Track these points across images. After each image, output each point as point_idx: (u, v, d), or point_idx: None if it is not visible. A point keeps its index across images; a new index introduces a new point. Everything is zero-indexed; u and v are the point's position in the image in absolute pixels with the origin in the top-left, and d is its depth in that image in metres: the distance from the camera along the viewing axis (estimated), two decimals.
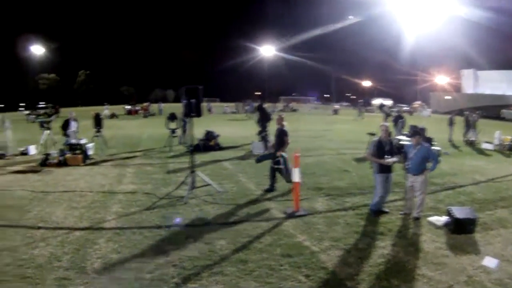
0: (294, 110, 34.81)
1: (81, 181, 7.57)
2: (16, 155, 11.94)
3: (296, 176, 4.70)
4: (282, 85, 59.06)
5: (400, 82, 45.56)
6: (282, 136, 5.75)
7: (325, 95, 61.89)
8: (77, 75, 70.28)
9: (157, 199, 5.80)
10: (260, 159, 6.46)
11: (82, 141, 9.97)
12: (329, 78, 57.49)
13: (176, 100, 61.93)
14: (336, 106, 36.67)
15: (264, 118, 9.87)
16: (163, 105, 35.19)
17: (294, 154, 4.87)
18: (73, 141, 9.92)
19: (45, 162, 9.50)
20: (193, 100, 5.56)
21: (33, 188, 7.15)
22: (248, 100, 32.87)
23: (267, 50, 47.51)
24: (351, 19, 34.73)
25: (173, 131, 10.58)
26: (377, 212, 4.74)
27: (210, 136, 10.51)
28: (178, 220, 4.85)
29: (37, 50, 47.34)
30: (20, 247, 4.39)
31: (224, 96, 53.53)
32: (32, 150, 12.28)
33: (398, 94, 42.74)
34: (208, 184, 5.92)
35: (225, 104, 38.35)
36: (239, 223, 4.66)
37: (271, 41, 47.47)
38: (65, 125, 10.41)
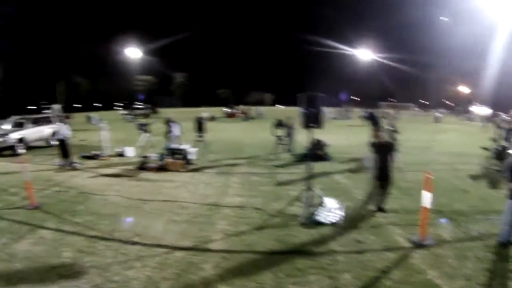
0: (395, 118, 41.40)
1: (182, 189, 10.57)
2: (112, 156, 17.10)
3: (427, 200, 6.42)
4: (379, 90, 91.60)
5: (495, 88, 61.83)
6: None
7: (422, 101, 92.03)
8: (174, 77, 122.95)
9: (268, 217, 7.89)
10: None
11: (184, 146, 14.06)
12: (426, 83, 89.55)
13: (274, 103, 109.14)
14: (438, 114, 51.71)
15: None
16: (262, 108, 55.23)
17: (425, 175, 6.43)
18: (175, 146, 14.14)
19: (143, 166, 13.82)
20: (312, 109, 7.76)
21: (129, 194, 10.27)
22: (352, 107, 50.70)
23: (364, 54, 71.90)
24: (443, 20, 56.33)
25: (279, 138, 15.50)
26: (507, 244, 6.54)
27: (319, 145, 14.48)
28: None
29: (134, 52, 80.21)
30: (112, 266, 6.00)
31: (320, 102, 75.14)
32: (129, 152, 17.39)
33: (496, 100, 59.56)
34: (323, 202, 8.10)
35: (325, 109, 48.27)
36: (363, 252, 6.23)
37: (368, 44, 72.12)
38: (168, 129, 15.90)
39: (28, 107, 74.08)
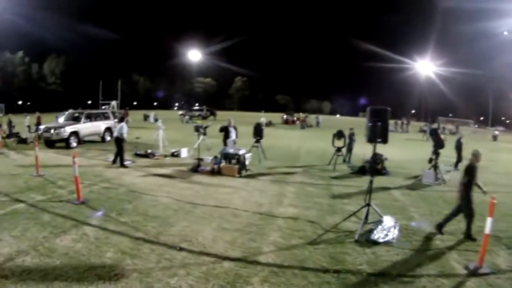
0: (453, 133, 46.49)
1: (235, 195, 10.77)
2: (166, 156, 17.65)
3: (489, 227, 6.47)
4: (437, 104, 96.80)
5: None
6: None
7: (481, 118, 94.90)
8: (233, 81, 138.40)
9: (322, 231, 7.92)
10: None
11: (241, 152, 14.44)
12: (486, 99, 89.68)
13: (332, 112, 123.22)
14: (496, 131, 52.90)
15: (437, 145, 14.37)
16: (321, 117, 57.56)
17: (490, 200, 6.46)
18: (231, 150, 14.44)
19: (196, 168, 14.13)
20: (378, 123, 8.05)
21: (180, 197, 10.43)
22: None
23: (424, 66, 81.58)
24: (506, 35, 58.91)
25: (339, 149, 16.15)
26: None
27: (377, 158, 14.51)
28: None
29: (195, 54, 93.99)
30: (154, 271, 5.89)
31: None
32: (184, 153, 17.96)
33: None
34: (381, 220, 8.27)
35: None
36: (417, 277, 6.15)
37: (428, 57, 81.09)
38: (225, 133, 16.37)
39: (87, 102, 78.97)
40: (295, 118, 58.14)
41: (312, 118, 57.45)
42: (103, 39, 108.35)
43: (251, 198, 10.50)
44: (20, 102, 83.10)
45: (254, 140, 17.18)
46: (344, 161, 16.88)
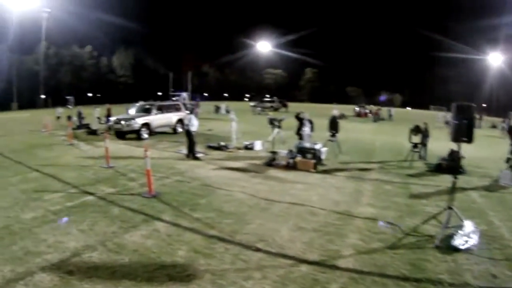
0: None
1: (312, 192, 10.73)
2: (240, 148, 17.85)
3: None
4: (510, 98, 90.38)
5: None
6: None
7: None
8: (304, 72, 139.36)
9: (402, 235, 7.75)
10: None
11: (317, 146, 14.31)
12: None
13: (403, 105, 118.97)
14: None
15: None
16: (393, 110, 57.83)
17: None
18: (307, 144, 14.49)
19: (271, 162, 14.13)
20: (464, 121, 7.86)
21: (255, 192, 10.35)
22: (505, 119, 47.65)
23: (494, 58, 79.83)
24: None
25: (415, 145, 16.29)
26: None
27: (455, 156, 14.22)
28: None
29: (265, 46, 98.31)
30: (228, 273, 5.73)
31: (448, 105, 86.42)
32: (258, 145, 18.00)
33: None
34: (462, 225, 7.88)
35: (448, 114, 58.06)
36: None
37: (497, 48, 78.77)
38: (299, 125, 16.27)
39: (158, 93, 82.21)
40: (367, 111, 58.06)
41: (384, 111, 56.70)
42: (172, 31, 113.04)
43: (328, 195, 10.40)
44: (90, 95, 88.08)
45: (330, 134, 17.09)
46: (420, 157, 16.63)
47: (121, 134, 20.97)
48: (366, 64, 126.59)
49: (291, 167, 13.66)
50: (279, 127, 17.40)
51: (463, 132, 7.89)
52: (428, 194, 11.03)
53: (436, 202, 9.82)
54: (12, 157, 14.75)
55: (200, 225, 7.66)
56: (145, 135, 21.03)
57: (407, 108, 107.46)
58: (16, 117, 40.39)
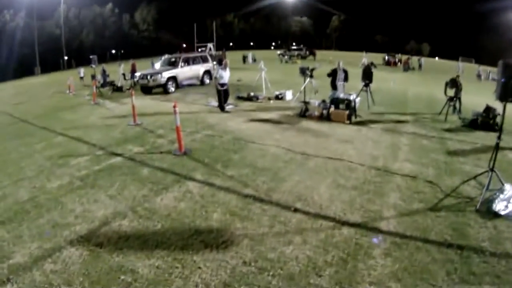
0: None
1: (348, 146, 10.38)
2: (270, 99, 17.49)
3: None
4: None
5: None
6: None
7: None
8: (331, 20, 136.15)
9: (442, 195, 7.38)
10: None
11: (351, 96, 13.82)
12: None
13: (431, 54, 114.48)
14: None
15: None
16: (423, 59, 56.63)
17: None
18: (341, 95, 13.98)
19: (304, 113, 13.77)
20: None
21: (290, 145, 9.94)
22: None
23: None
24: None
25: (451, 98, 15.76)
26: None
27: (490, 112, 14.15)
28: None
29: None
30: (267, 237, 5.43)
31: (479, 57, 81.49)
32: (289, 95, 17.62)
33: None
34: (503, 188, 7.39)
35: (488, 69, 53.90)
36: None
37: None
38: (334, 76, 15.71)
39: (183, 45, 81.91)
40: (396, 60, 56.90)
41: (414, 60, 55.21)
42: None
43: (364, 149, 10.07)
44: (113, 51, 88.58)
45: (363, 83, 16.50)
46: (454, 110, 16.14)
47: (147, 90, 20.66)
48: (393, 12, 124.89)
49: (324, 118, 13.30)
50: (311, 76, 16.74)
51: (510, 91, 7.53)
52: (465, 152, 10.62)
53: (474, 161, 9.41)
54: (37, 122, 14.59)
55: (234, 183, 7.32)
56: (172, 89, 20.68)
57: (436, 58, 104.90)
58: (40, 81, 40.49)
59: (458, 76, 16.68)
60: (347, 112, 13.17)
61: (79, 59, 65.81)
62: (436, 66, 55.81)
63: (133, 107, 12.99)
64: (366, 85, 16.35)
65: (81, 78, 31.58)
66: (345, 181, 7.65)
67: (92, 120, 14.36)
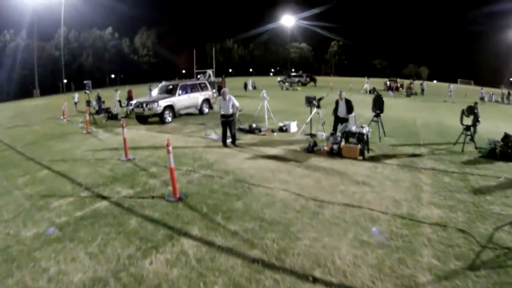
0: None
1: (365, 188, 9.34)
2: (274, 131, 16.47)
3: None
4: None
5: None
6: None
7: None
8: (330, 45, 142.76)
9: (478, 247, 6.52)
10: None
11: (364, 130, 12.68)
12: None
13: (430, 78, 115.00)
14: None
15: None
16: (425, 83, 55.66)
17: None
18: (353, 128, 12.82)
19: (312, 148, 12.73)
20: None
21: (300, 189, 8.94)
22: None
23: None
24: None
25: (468, 128, 14.77)
26: None
27: (510, 141, 13.48)
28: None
29: (289, 20, 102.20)
30: None
31: (477, 78, 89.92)
32: (293, 127, 16.57)
33: None
34: None
35: (490, 90, 56.82)
36: None
37: None
38: (336, 107, 14.76)
39: (182, 71, 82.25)
40: (398, 85, 56.87)
41: (416, 84, 54.92)
42: (193, 7, 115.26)
43: (384, 192, 9.01)
44: (113, 76, 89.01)
45: (374, 113, 15.71)
46: (472, 140, 15.19)
47: (142, 119, 19.77)
48: (391, 37, 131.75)
49: (335, 154, 12.31)
50: (318, 106, 15.74)
51: None
52: (491, 189, 9.67)
53: (501, 200, 8.58)
54: (25, 151, 13.83)
55: (238, 242, 6.24)
56: (169, 119, 19.76)
57: (434, 81, 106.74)
58: (38, 104, 40.21)
59: (476, 103, 15.94)
60: (359, 146, 12.22)
61: (79, 82, 66.48)
62: (437, 90, 55.81)
63: (125, 140, 11.92)
64: (377, 115, 15.55)
65: (75, 103, 30.76)
66: (368, 236, 6.63)
67: (81, 151, 13.44)
